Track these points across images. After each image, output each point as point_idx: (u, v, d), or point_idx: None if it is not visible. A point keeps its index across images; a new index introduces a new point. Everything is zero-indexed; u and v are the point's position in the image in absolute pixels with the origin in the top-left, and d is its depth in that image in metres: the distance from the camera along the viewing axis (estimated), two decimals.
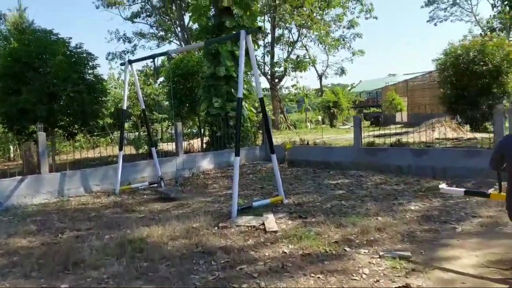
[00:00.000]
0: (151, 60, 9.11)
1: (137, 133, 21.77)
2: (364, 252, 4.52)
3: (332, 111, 34.62)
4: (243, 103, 14.36)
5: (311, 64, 37.97)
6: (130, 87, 22.26)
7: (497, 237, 4.87)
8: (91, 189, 9.31)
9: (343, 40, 40.51)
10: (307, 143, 14.48)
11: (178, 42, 35.90)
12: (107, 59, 37.47)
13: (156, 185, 9.50)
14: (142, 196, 8.82)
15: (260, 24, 25.68)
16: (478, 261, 4.17)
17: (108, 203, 8.17)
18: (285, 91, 41.05)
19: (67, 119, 12.68)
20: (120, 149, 9.44)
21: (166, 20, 36.65)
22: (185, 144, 13.26)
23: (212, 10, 15.29)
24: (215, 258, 4.55)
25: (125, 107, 9.62)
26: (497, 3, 23.41)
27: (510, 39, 28.28)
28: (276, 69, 35.07)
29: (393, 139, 14.37)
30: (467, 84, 20.47)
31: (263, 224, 5.80)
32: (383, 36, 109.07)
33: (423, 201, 6.81)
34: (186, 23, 34.88)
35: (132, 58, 22.06)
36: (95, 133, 19.75)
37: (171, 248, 4.96)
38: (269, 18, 33.96)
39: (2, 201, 7.86)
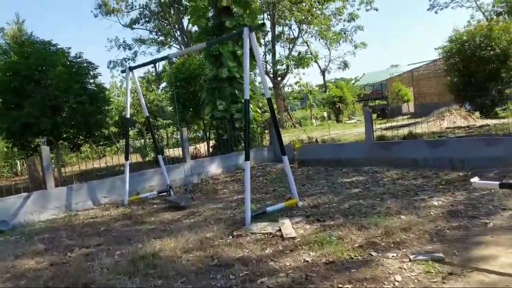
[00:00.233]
0: (152, 65, 8.83)
1: (142, 141, 21.59)
2: (393, 256, 4.22)
3: (337, 106, 34.23)
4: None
5: (314, 59, 37.61)
6: (133, 94, 22.08)
7: None
8: (99, 201, 9.07)
9: (344, 33, 40.19)
10: (316, 141, 14.16)
11: (178, 46, 35.74)
12: (108, 67, 37.47)
13: (165, 193, 9.25)
14: (151, 206, 8.56)
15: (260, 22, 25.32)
16: None
17: (117, 215, 7.92)
18: (288, 89, 40.76)
19: (71, 131, 12.50)
20: (126, 158, 9.19)
21: (165, 24, 36.52)
22: (191, 149, 13.00)
23: (211, 11, 15.04)
24: (233, 271, 4.27)
25: (128, 116, 9.38)
26: None
27: None
28: (278, 67, 34.81)
29: (404, 131, 14.04)
30: (474, 70, 20.09)
31: (280, 230, 5.51)
32: (384, 27, 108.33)
33: (445, 195, 6.48)
34: (185, 27, 34.72)
35: (133, 64, 21.79)
36: (101, 143, 19.61)
37: (185, 263, 4.68)
38: (268, 16, 33.66)
39: (8, 220, 7.63)
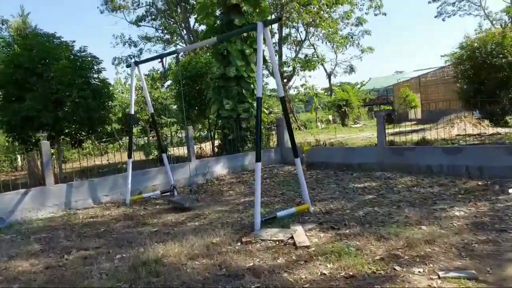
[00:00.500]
0: (159, 60, 8.50)
1: (146, 138, 21.27)
2: (419, 272, 3.85)
3: (343, 109, 33.85)
4: (255, 104, 13.71)
5: (320, 62, 37.24)
6: (137, 91, 21.76)
7: None
8: (100, 200, 8.72)
9: (352, 37, 39.82)
10: (324, 144, 13.80)
11: (184, 45, 35.38)
12: (113, 63, 37.14)
13: (168, 193, 8.91)
14: (154, 206, 8.21)
15: None
16: None
17: (118, 215, 7.57)
18: (294, 91, 40.40)
19: (73, 126, 12.17)
20: (129, 156, 8.84)
21: (172, 23, 36.21)
22: (195, 148, 12.65)
23: (218, 10, 14.72)
24: (244, 283, 3.91)
25: (132, 112, 9.02)
26: None
27: None
28: (284, 68, 34.43)
29: (414, 137, 13.67)
30: (485, 77, 19.69)
31: (292, 237, 5.15)
32: (390, 33, 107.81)
33: (467, 205, 6.11)
34: (191, 26, 34.43)
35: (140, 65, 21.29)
36: (103, 140, 19.28)
37: (191, 271, 4.32)
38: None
39: (4, 217, 7.29)
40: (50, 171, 8.20)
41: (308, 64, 34.95)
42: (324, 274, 3.98)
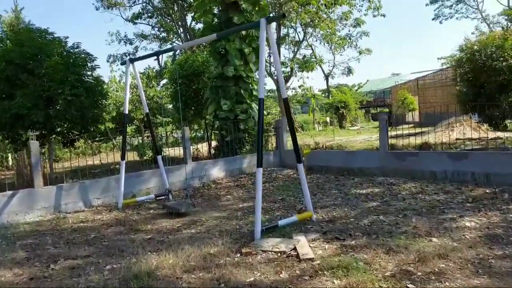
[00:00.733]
0: (155, 58, 8.16)
1: (140, 138, 20.88)
2: None
3: (341, 112, 33.61)
4: (253, 105, 13.42)
5: (318, 63, 36.97)
6: (132, 90, 21.34)
7: None
8: (91, 203, 8.36)
9: (349, 38, 39.59)
10: (325, 147, 13.50)
11: (180, 43, 34.99)
12: (108, 61, 36.65)
13: (163, 197, 8.56)
14: (148, 211, 7.86)
15: None
16: None
17: (110, 220, 7.22)
18: (291, 92, 40.12)
19: (65, 125, 11.79)
20: (123, 158, 8.46)
21: (168, 21, 35.79)
22: (192, 149, 12.28)
23: (216, 8, 14.40)
24: None
25: (126, 111, 8.65)
26: None
27: None
28: (282, 69, 34.09)
29: (415, 141, 13.39)
30: (485, 81, 19.46)
31: (295, 248, 4.83)
32: (388, 34, 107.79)
33: (477, 215, 5.82)
34: (188, 24, 34.03)
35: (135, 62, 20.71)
36: (97, 139, 18.88)
37: (187, 286, 3.99)
38: None
39: None
40: (39, 172, 7.84)
41: (306, 65, 34.65)
42: None
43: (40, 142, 12.36)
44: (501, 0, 52.78)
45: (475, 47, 20.32)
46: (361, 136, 23.20)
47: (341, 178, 9.68)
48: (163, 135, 19.90)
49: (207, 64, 14.69)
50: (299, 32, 37.29)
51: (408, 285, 3.69)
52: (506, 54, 18.96)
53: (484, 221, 5.53)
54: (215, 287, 3.94)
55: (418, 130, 21.58)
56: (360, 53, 41.29)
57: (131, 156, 13.77)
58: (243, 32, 13.23)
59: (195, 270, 4.37)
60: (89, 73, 12.18)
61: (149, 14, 35.85)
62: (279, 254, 4.74)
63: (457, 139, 16.92)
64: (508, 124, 20.44)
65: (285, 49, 40.01)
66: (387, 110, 40.91)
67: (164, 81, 27.16)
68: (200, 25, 30.81)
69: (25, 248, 5.69)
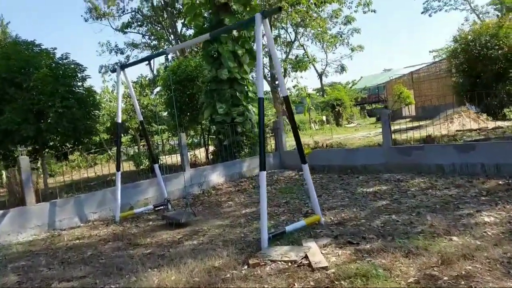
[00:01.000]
0: (146, 63, 7.83)
1: (136, 147, 20.51)
2: None
3: (337, 109, 33.34)
4: (250, 106, 13.10)
5: (311, 62, 36.73)
6: (126, 99, 20.99)
7: None
8: (87, 218, 7.99)
9: (341, 36, 39.41)
10: (326, 146, 13.19)
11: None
12: (100, 72, 36.23)
13: (162, 207, 8.20)
14: (146, 223, 7.50)
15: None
16: None
17: (107, 235, 6.86)
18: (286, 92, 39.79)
19: (58, 138, 11.44)
20: (118, 169, 8.10)
21: (159, 28, 35.46)
22: (189, 155, 11.92)
23: (207, 12, 14.09)
24: None
25: (120, 121, 8.28)
26: None
27: None
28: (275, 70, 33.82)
29: (416, 135, 13.11)
30: (481, 70, 19.24)
31: (306, 257, 4.49)
32: (379, 30, 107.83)
33: (495, 209, 5.51)
34: (179, 31, 33.72)
35: (127, 70, 20.29)
36: (92, 151, 18.48)
37: None
38: None
39: None
40: (30, 189, 7.47)
41: (299, 64, 34.37)
42: None
43: (33, 157, 12.05)
44: None
45: (469, 37, 20.12)
46: (359, 133, 22.92)
47: (345, 177, 9.36)
48: (159, 143, 19.53)
49: (200, 68, 14.37)
50: (290, 32, 37.10)
51: None
52: (501, 42, 18.77)
53: (504, 215, 5.22)
54: None
55: (416, 124, 21.28)
56: (352, 50, 41.08)
57: (127, 166, 13.41)
58: (236, 34, 12.93)
59: (199, 287, 4.02)
60: (79, 83, 11.88)
61: (139, 23, 35.49)
62: (289, 264, 4.40)
63: (457, 130, 16.68)
64: (507, 113, 20.23)
65: (277, 50, 39.79)
66: (381, 106, 40.75)
67: (158, 88, 26.83)
68: (191, 31, 30.50)
69: (17, 272, 5.33)
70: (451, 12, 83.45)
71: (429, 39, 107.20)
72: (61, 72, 11.18)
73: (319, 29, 34.69)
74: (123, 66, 8.31)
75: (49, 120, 10.69)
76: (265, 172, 5.24)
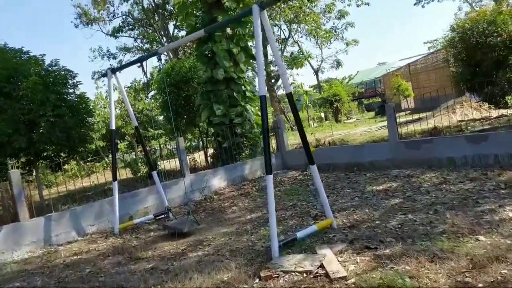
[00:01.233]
0: (138, 65, 7.45)
1: (133, 153, 20.10)
2: None
3: (336, 105, 33.01)
4: (248, 107, 12.73)
5: (306, 59, 36.38)
6: (120, 104, 20.59)
7: None
8: (84, 231, 7.61)
9: (335, 31, 39.10)
10: (329, 143, 12.85)
11: (165, 53, 34.25)
12: (92, 78, 35.75)
13: (163, 216, 7.83)
14: (147, 233, 7.13)
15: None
16: None
17: (106, 248, 6.49)
18: (282, 91, 39.45)
19: (51, 148, 11.05)
20: (114, 178, 7.70)
21: (150, 31, 35.04)
22: (188, 159, 11.54)
23: (199, 11, 13.71)
24: None
25: (113, 126, 7.89)
26: None
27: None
28: (272, 68, 33.45)
29: (417, 127, 12.79)
30: (480, 58, 18.94)
31: (322, 266, 4.14)
32: (373, 23, 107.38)
33: None
34: (171, 32, 33.31)
35: (119, 74, 19.88)
36: (88, 159, 18.08)
37: None
38: None
39: None
40: (23, 204, 7.10)
41: (294, 61, 34.04)
42: None
43: (26, 169, 11.66)
44: None
45: (467, 25, 19.82)
46: (360, 128, 22.59)
47: (351, 175, 9.01)
48: (156, 148, 19.15)
49: (195, 69, 13.98)
50: (284, 29, 36.76)
51: None
52: (499, 29, 18.47)
53: None
54: None
55: (416, 116, 20.98)
56: (347, 44, 40.82)
57: (124, 173, 13.02)
58: (230, 32, 12.56)
59: None
60: (71, 90, 11.51)
61: (130, 27, 35.05)
62: (304, 275, 4.05)
63: (460, 121, 16.35)
64: (509, 101, 19.92)
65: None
66: (379, 100, 40.46)
67: (153, 92, 26.41)
68: (183, 33, 30.12)
69: None
70: (444, 2, 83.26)
71: (422, 31, 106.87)
72: (51, 79, 10.80)
73: (313, 24, 34.38)
74: (114, 70, 7.92)
75: (41, 130, 10.31)
76: (271, 176, 4.88)
